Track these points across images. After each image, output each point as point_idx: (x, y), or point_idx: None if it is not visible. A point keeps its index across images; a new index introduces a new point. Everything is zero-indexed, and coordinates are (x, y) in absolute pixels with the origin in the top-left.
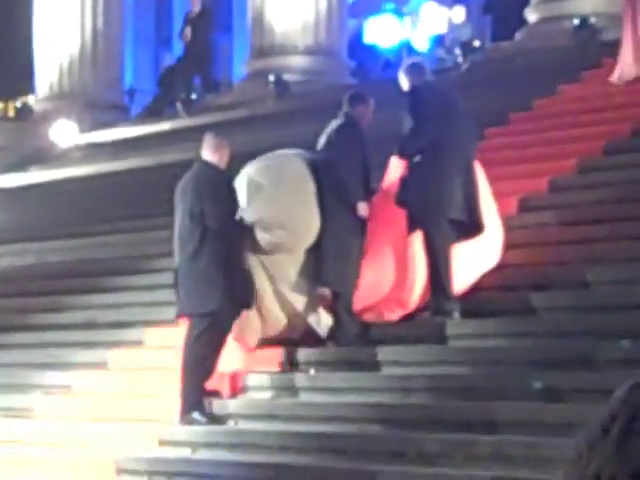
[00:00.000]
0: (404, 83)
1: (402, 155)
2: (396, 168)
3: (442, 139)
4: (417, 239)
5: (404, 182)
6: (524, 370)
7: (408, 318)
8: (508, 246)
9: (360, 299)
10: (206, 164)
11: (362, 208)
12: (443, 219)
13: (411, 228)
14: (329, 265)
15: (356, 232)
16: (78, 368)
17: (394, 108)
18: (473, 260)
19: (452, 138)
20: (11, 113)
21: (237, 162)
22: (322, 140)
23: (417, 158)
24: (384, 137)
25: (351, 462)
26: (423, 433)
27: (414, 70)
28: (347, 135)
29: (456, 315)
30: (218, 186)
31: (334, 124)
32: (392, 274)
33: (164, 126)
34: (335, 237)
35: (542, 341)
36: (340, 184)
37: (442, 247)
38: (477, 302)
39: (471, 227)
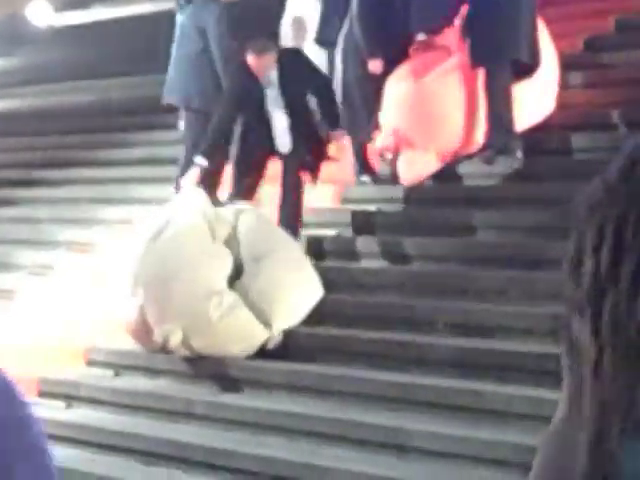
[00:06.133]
0: None
1: None
2: None
3: None
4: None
5: (469, 19)
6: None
7: (471, 156)
8: (570, 86)
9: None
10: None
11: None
12: (508, 58)
13: (474, 65)
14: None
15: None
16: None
17: None
18: (534, 101)
19: None
20: None
21: None
22: None
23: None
24: None
25: None
26: None
27: None
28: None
29: (519, 154)
30: None
31: None
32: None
33: None
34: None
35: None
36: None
37: (504, 85)
38: (536, 141)
39: (530, 66)
